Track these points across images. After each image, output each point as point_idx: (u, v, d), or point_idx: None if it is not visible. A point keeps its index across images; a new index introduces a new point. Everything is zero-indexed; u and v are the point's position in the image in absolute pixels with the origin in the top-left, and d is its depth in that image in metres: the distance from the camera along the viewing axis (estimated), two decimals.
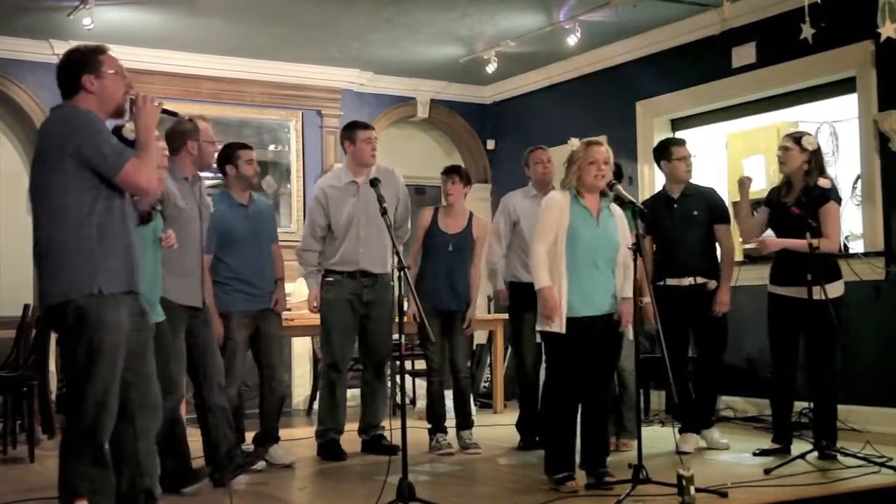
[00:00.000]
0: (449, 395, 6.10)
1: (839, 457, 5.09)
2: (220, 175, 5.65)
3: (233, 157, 5.49)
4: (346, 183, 5.87)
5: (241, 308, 5.38)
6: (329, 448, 5.75)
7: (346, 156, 6.00)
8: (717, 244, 5.78)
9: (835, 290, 5.29)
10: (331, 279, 5.84)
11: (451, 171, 6.07)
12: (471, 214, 6.07)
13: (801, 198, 5.37)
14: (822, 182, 5.36)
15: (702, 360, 5.80)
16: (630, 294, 4.72)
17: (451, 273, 5.90)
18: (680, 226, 5.71)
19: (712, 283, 5.67)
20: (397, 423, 4.33)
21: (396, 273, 4.38)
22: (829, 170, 6.97)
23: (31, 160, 3.53)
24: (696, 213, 5.70)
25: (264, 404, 5.56)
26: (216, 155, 5.26)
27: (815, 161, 5.41)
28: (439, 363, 5.91)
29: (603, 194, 4.80)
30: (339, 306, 5.78)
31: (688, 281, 5.68)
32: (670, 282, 5.71)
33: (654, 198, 6.05)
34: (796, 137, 5.47)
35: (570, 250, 4.63)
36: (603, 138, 8.29)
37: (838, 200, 5.46)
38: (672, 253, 5.75)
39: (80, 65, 3.48)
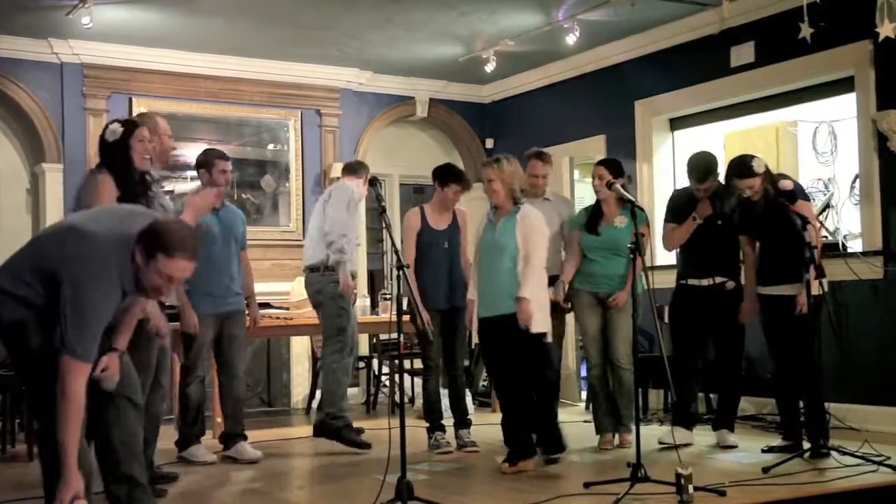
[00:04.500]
0: (444, 393, 6.13)
1: (836, 455, 5.09)
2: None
3: (209, 164, 5.73)
4: (357, 198, 6.19)
5: (206, 311, 5.56)
6: (346, 432, 5.95)
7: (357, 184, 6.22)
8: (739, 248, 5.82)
9: (816, 287, 5.35)
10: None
11: (456, 179, 5.98)
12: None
13: (767, 203, 5.40)
14: (784, 184, 5.44)
15: (719, 362, 5.85)
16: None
17: (449, 270, 5.93)
18: (702, 227, 5.75)
19: (730, 284, 5.74)
20: (396, 422, 4.34)
21: (395, 272, 4.41)
22: (828, 169, 7.03)
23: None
24: (719, 221, 5.72)
25: (226, 403, 5.75)
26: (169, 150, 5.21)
27: (769, 175, 5.47)
28: (437, 362, 5.93)
29: None
30: (351, 303, 6.14)
31: (707, 281, 5.76)
32: (691, 282, 5.82)
33: (682, 193, 6.05)
34: (746, 172, 5.41)
35: None
36: (601, 137, 8.39)
37: (805, 198, 5.54)
38: (693, 253, 5.83)
39: (144, 240, 3.35)
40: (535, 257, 5.08)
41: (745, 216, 5.59)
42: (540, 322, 5.09)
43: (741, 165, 5.47)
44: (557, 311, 5.89)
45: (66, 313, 3.26)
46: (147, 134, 4.54)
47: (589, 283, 5.88)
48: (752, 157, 5.50)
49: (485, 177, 5.28)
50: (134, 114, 8.07)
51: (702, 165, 5.78)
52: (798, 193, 5.45)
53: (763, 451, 5.46)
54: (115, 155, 4.42)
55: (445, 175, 5.99)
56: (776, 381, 5.63)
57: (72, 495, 3.29)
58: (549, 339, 5.24)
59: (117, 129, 4.44)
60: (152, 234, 3.36)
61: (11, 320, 3.39)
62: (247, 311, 5.96)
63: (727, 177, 5.55)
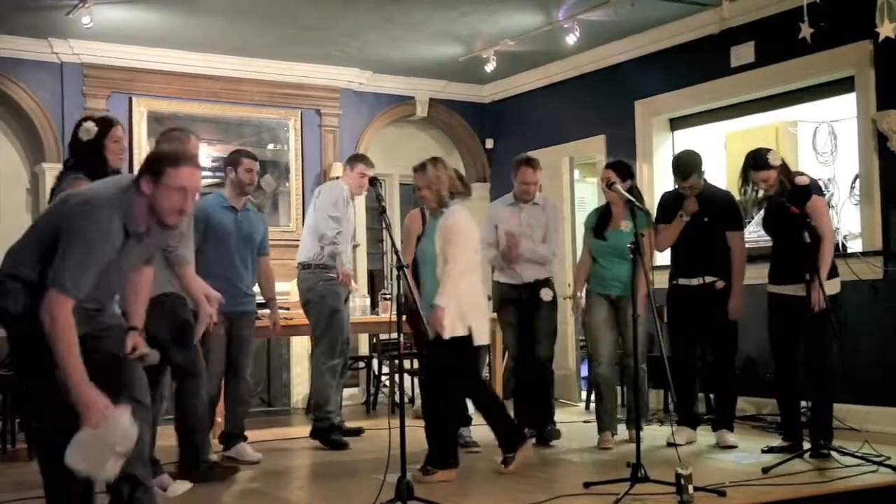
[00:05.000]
0: None
1: (836, 456, 5.10)
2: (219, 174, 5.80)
3: (235, 162, 5.73)
4: (347, 197, 6.24)
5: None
6: (330, 433, 6.06)
7: (348, 176, 6.36)
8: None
9: (833, 287, 5.33)
10: (335, 275, 6.13)
11: None
12: None
13: (782, 200, 5.40)
14: (800, 180, 5.41)
15: (713, 361, 5.90)
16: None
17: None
18: (691, 227, 5.82)
19: (720, 283, 5.79)
20: (396, 422, 4.34)
21: (395, 272, 4.41)
22: (828, 169, 7.03)
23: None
24: (706, 219, 5.79)
25: (230, 404, 5.72)
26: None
27: (786, 169, 5.46)
28: None
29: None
30: (342, 301, 6.24)
31: (696, 281, 5.82)
32: (682, 281, 5.90)
33: (670, 195, 6.13)
34: (762, 164, 5.43)
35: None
36: (601, 137, 8.37)
37: (821, 194, 5.49)
38: (682, 253, 5.92)
39: (147, 165, 3.42)
40: (454, 259, 4.94)
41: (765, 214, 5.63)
42: (456, 327, 4.94)
43: (756, 157, 5.48)
44: (546, 310, 6.05)
45: (61, 253, 3.26)
46: (121, 133, 4.48)
47: (600, 286, 6.00)
48: (769, 150, 5.51)
49: (415, 185, 5.25)
50: (134, 114, 8.10)
51: (683, 163, 5.88)
52: (813, 189, 5.42)
53: (763, 451, 5.47)
54: (89, 154, 4.36)
55: None
56: (777, 380, 5.63)
57: (97, 415, 3.22)
58: (481, 342, 5.09)
59: (91, 127, 4.38)
60: (152, 159, 3.45)
61: (18, 312, 3.37)
62: (259, 314, 5.92)
63: (743, 169, 5.57)
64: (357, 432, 6.44)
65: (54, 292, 3.24)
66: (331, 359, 6.09)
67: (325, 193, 6.24)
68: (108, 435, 3.18)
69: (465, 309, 4.97)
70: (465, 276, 4.97)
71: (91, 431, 3.18)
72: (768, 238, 6.83)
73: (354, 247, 7.12)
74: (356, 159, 6.46)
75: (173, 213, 3.41)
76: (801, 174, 5.51)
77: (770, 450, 5.45)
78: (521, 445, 5.14)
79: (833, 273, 5.39)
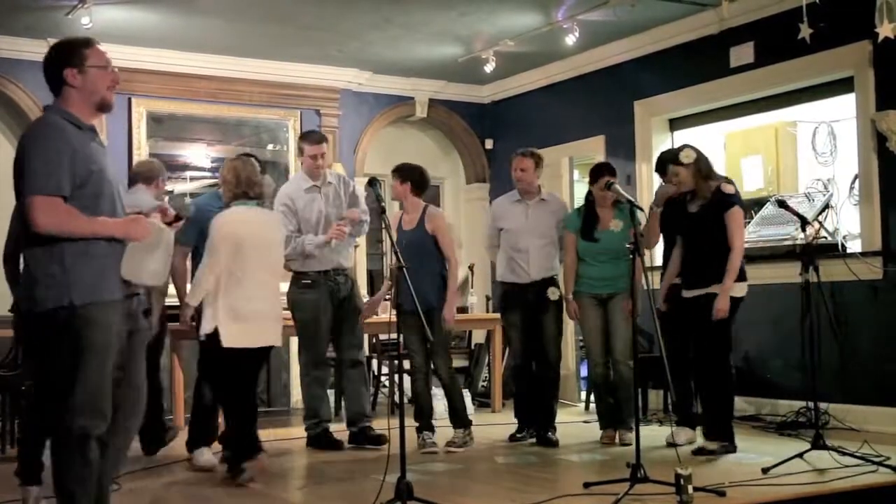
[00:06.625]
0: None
1: (836, 455, 5.08)
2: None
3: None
4: (306, 188, 6.08)
5: None
6: (323, 438, 6.01)
7: (302, 164, 6.23)
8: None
9: (739, 290, 5.47)
10: (307, 281, 6.05)
11: (392, 171, 6.09)
12: (424, 208, 6.00)
13: (705, 203, 5.53)
14: (727, 188, 5.52)
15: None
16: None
17: (415, 270, 5.87)
18: (682, 225, 5.83)
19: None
20: (396, 422, 4.34)
21: (395, 273, 4.41)
22: (827, 169, 7.04)
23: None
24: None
25: None
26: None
27: (700, 168, 5.54)
28: (420, 362, 5.94)
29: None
30: (318, 307, 6.04)
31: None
32: (677, 281, 5.89)
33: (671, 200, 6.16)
34: (673, 159, 5.63)
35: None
36: (601, 138, 8.37)
37: (742, 207, 5.59)
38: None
39: (63, 58, 3.43)
40: (204, 259, 5.01)
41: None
42: (205, 326, 4.97)
43: (671, 153, 5.71)
44: (552, 311, 6.07)
45: (24, 167, 3.25)
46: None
47: (590, 287, 6.04)
48: (685, 146, 5.67)
49: None
50: (133, 114, 8.09)
51: (661, 159, 6.03)
52: (736, 200, 5.52)
53: (668, 444, 5.62)
54: None
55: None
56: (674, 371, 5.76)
57: (137, 229, 3.35)
58: (232, 344, 4.97)
59: None
60: (64, 51, 3.43)
61: (55, 306, 3.27)
62: None
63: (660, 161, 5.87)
64: (380, 440, 6.00)
65: (36, 198, 3.21)
66: (314, 369, 6.04)
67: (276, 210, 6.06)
68: (150, 239, 3.44)
69: (215, 311, 4.95)
70: (215, 276, 4.95)
71: (135, 244, 3.39)
72: (767, 238, 6.86)
73: (353, 247, 7.05)
74: (300, 140, 6.32)
75: (111, 89, 3.47)
76: (730, 183, 5.61)
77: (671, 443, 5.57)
78: (255, 457, 5.06)
79: (740, 278, 5.47)
